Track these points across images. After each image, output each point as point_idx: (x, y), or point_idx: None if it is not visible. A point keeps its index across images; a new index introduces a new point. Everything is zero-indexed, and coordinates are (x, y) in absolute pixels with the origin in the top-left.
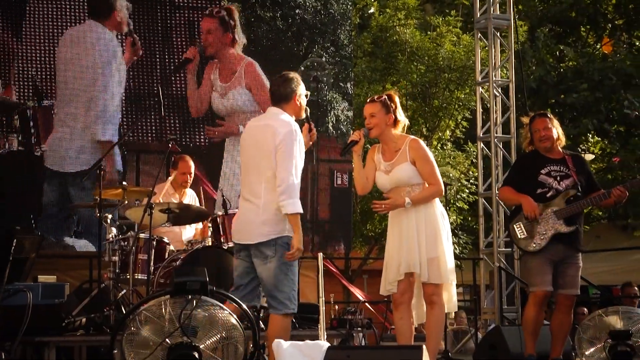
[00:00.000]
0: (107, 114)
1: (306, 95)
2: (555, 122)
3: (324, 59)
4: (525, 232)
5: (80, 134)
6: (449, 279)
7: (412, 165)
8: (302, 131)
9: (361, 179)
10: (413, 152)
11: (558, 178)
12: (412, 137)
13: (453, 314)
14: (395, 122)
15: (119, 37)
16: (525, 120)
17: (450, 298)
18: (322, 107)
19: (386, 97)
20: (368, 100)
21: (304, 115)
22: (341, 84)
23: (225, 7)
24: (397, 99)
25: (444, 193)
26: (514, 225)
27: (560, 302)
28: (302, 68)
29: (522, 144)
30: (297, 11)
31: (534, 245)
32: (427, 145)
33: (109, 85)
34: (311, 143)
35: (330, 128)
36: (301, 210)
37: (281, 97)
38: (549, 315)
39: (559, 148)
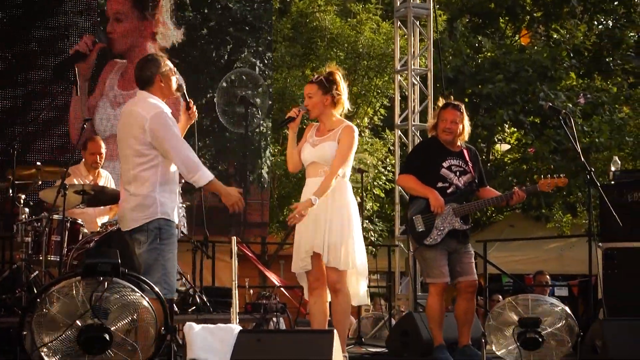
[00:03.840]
0: None
1: (173, 72)
2: (465, 117)
3: (257, 69)
4: (423, 226)
5: None
6: (352, 266)
7: (337, 145)
8: (180, 110)
9: (293, 156)
10: (343, 133)
11: (457, 173)
12: (351, 124)
13: (366, 300)
14: (334, 101)
15: None
16: (439, 103)
17: (357, 291)
18: (253, 143)
19: (324, 77)
20: (309, 80)
21: (176, 94)
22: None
23: None
24: (338, 77)
25: (331, 182)
26: (414, 218)
27: (462, 289)
28: (224, 84)
29: (427, 126)
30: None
31: (430, 239)
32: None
33: None
34: (192, 122)
35: (264, 175)
36: (211, 177)
37: (143, 82)
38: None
39: (459, 141)
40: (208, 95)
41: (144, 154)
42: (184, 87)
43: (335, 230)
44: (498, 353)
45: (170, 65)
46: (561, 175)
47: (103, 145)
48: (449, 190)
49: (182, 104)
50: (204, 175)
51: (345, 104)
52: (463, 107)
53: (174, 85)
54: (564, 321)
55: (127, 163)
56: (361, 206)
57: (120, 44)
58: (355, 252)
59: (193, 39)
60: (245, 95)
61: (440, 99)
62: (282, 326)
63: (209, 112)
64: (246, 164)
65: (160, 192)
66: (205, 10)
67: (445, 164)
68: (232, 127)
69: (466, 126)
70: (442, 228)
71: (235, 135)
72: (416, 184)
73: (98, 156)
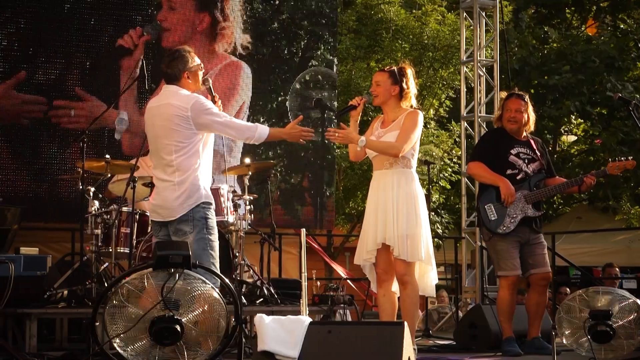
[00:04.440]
0: None
1: (200, 67)
2: (530, 107)
3: (334, 69)
4: (495, 214)
5: None
6: (423, 257)
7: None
8: None
9: (355, 146)
10: (405, 117)
11: (526, 161)
12: (415, 110)
13: (433, 292)
14: (402, 94)
15: None
16: (503, 95)
17: (428, 281)
18: (331, 152)
19: (397, 69)
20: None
21: (202, 87)
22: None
23: None
24: (409, 72)
25: (397, 156)
26: (485, 207)
27: (535, 282)
28: (298, 85)
29: (493, 117)
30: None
31: (504, 227)
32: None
33: None
34: None
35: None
36: (267, 129)
37: (170, 78)
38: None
39: (525, 132)
40: (279, 99)
41: (187, 143)
42: (210, 81)
43: (402, 221)
44: (568, 345)
45: (198, 60)
46: (629, 157)
47: None
48: (518, 177)
49: (207, 98)
50: (262, 132)
51: (412, 100)
52: (527, 96)
53: (200, 80)
54: (635, 314)
55: (169, 154)
56: (428, 198)
57: (171, 36)
58: (422, 243)
59: (262, 35)
60: (322, 97)
61: (503, 92)
62: (349, 318)
63: (280, 117)
64: (322, 175)
65: (202, 178)
66: (276, 2)
67: (513, 151)
68: None
69: (531, 115)
70: (514, 215)
71: (311, 143)
72: (486, 171)
73: None
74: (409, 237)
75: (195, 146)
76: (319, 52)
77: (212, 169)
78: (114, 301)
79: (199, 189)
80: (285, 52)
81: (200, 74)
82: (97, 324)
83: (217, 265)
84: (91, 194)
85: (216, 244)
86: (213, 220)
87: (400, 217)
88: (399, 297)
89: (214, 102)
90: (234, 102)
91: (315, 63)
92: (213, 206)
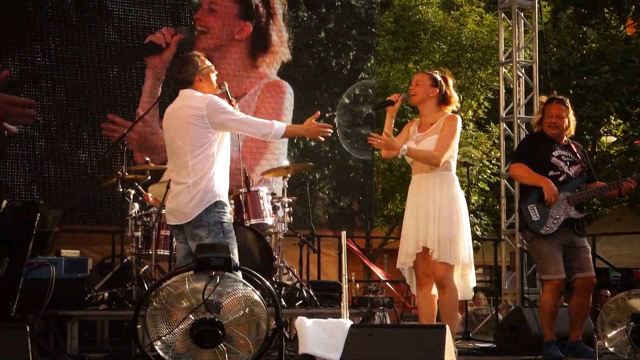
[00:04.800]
0: None
1: (211, 69)
2: (570, 111)
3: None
4: (538, 215)
5: None
6: (463, 261)
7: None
8: None
9: None
10: (445, 122)
11: (568, 163)
12: (454, 114)
13: (472, 294)
14: (442, 98)
15: None
16: (543, 99)
17: (467, 284)
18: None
19: (441, 77)
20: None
21: (219, 91)
22: None
23: None
24: (451, 81)
25: (438, 165)
26: (528, 207)
27: (579, 286)
28: (347, 100)
29: (533, 121)
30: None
31: (547, 228)
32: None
33: None
34: None
35: None
36: (284, 125)
37: (182, 83)
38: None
39: (565, 136)
40: (327, 115)
41: (202, 143)
42: (226, 85)
43: (444, 224)
44: (610, 349)
45: (209, 62)
46: None
47: None
48: (560, 179)
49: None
50: (279, 128)
51: (449, 108)
52: (568, 101)
53: (215, 83)
54: None
55: (185, 155)
56: (467, 200)
57: (206, 39)
58: (464, 246)
59: (308, 46)
60: (372, 113)
61: (543, 96)
62: (388, 321)
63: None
64: (372, 196)
65: (217, 179)
66: (323, 10)
67: (555, 154)
68: (357, 153)
69: (572, 120)
70: (557, 217)
71: (361, 163)
72: (529, 172)
73: None
74: (451, 240)
75: (211, 147)
76: (368, 64)
77: (250, 172)
78: (155, 304)
79: (213, 190)
80: (333, 64)
81: (213, 75)
82: (138, 326)
83: None
84: (131, 196)
85: (235, 247)
86: (229, 224)
87: (442, 220)
88: (438, 300)
89: (231, 105)
90: None
91: (365, 76)
92: (228, 208)
